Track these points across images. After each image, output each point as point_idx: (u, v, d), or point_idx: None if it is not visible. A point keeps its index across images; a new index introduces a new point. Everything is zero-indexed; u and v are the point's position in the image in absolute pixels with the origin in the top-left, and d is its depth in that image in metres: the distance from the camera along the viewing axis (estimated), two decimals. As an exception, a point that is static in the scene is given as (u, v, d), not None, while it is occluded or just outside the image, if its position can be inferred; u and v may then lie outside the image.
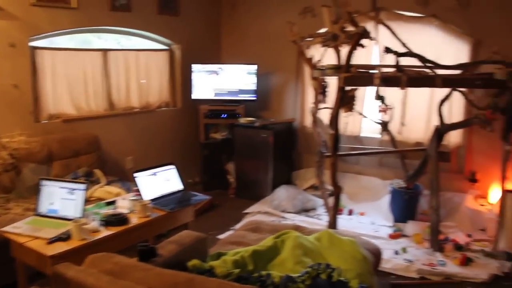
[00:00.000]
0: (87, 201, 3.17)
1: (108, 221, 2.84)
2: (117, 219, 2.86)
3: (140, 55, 5.29)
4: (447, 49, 4.60)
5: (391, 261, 3.69)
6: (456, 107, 4.60)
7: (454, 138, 4.71)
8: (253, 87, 5.58)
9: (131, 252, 2.24)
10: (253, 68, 5.54)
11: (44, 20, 4.26)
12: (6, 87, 4.06)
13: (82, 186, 2.90)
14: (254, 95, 5.61)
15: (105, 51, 4.93)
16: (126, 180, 4.34)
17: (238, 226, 4.29)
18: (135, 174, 3.24)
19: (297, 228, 3.01)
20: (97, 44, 5.10)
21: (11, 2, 4.00)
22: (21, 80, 4.17)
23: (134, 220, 2.95)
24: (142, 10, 5.11)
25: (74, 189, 2.91)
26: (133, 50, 5.24)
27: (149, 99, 5.43)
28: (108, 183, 4.02)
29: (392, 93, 4.33)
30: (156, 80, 5.51)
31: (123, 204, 3.16)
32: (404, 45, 3.75)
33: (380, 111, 4.27)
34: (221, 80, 5.62)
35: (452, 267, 3.60)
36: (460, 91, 3.97)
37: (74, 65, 4.64)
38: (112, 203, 3.24)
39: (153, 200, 3.19)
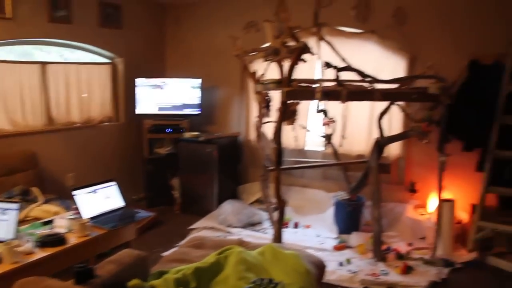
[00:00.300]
0: (22, 221, 3.03)
1: (44, 241, 2.72)
2: (54, 239, 2.74)
3: (82, 68, 5.14)
4: (385, 64, 4.79)
5: (335, 272, 3.74)
6: (395, 120, 4.77)
7: (394, 150, 4.88)
8: (198, 101, 5.57)
9: (69, 274, 2.14)
10: (197, 82, 5.53)
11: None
12: None
13: (15, 205, 2.76)
14: (199, 109, 5.59)
15: (44, 63, 4.74)
16: (66, 198, 4.16)
17: (182, 242, 4.22)
18: (74, 192, 3.12)
19: (241, 243, 3.00)
20: (38, 57, 4.92)
21: None
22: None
23: (72, 240, 2.83)
24: (83, 22, 4.97)
25: (6, 209, 2.76)
26: (73, 63, 5.08)
27: (91, 114, 5.27)
28: (46, 202, 3.85)
29: (334, 107, 4.43)
30: (98, 94, 5.36)
31: (61, 224, 3.03)
32: (344, 60, 3.86)
33: (323, 124, 4.36)
34: (165, 95, 5.56)
35: (394, 276, 3.69)
36: (398, 104, 4.13)
37: (9, 78, 4.43)
38: (49, 222, 3.10)
39: (92, 218, 3.08)
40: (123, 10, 5.46)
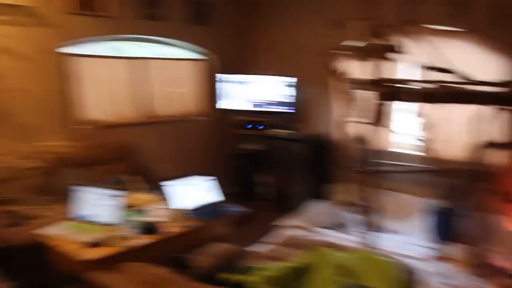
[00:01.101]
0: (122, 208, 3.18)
1: (143, 229, 2.85)
2: (152, 228, 2.86)
3: (174, 64, 5.38)
4: (484, 65, 4.44)
5: (430, 284, 3.55)
6: (500, 126, 4.41)
7: (497, 157, 4.52)
8: (290, 99, 5.55)
9: (164, 262, 2.22)
10: (290, 80, 5.51)
11: (80, 27, 4.38)
12: (44, 93, 4.18)
13: (119, 193, 2.93)
14: (291, 107, 5.57)
15: (141, 59, 5.01)
16: (159, 188, 4.36)
17: (270, 239, 4.23)
18: (171, 183, 3.24)
19: (332, 245, 2.95)
20: (130, 52, 5.19)
21: (49, 10, 4.13)
22: (58, 87, 4.30)
23: (169, 229, 2.94)
24: (175, 20, 5.19)
25: (110, 195, 2.94)
26: (167, 59, 5.32)
27: (183, 108, 5.48)
28: (142, 191, 4.04)
29: (432, 109, 4.20)
30: (189, 89, 5.56)
31: (158, 213, 3.17)
32: (442, 60, 3.64)
33: (421, 128, 4.14)
34: (255, 91, 5.62)
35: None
36: (508, 109, 3.81)
37: (109, 72, 4.77)
38: (147, 210, 3.24)
39: (189, 210, 3.18)
40: (213, 7, 5.59)
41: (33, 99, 4.12)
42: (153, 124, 5.13)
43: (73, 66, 4.44)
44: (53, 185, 3.87)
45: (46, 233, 2.85)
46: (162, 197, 3.86)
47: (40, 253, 2.87)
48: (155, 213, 3.17)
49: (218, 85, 5.66)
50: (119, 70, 4.84)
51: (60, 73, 4.31)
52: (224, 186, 5.78)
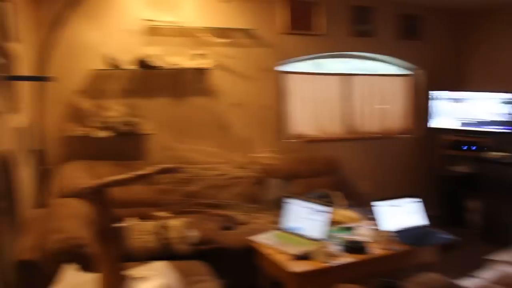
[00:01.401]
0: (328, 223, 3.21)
1: (349, 247, 2.81)
2: (358, 247, 2.81)
3: (380, 80, 5.27)
4: None
5: None
6: None
7: None
8: (507, 117, 4.92)
9: (370, 284, 2.14)
10: (508, 96, 4.89)
11: (293, 46, 4.64)
12: (260, 107, 4.53)
13: (327, 208, 2.95)
14: (508, 127, 4.94)
15: (346, 75, 5.05)
16: (362, 205, 4.30)
17: (482, 274, 3.79)
18: (375, 203, 3.14)
19: None
20: (331, 68, 5.24)
21: (267, 31, 4.50)
22: (272, 102, 4.61)
23: (374, 250, 2.85)
24: (383, 35, 5.10)
25: (318, 210, 2.98)
26: (373, 75, 5.24)
27: (387, 125, 5.32)
28: (346, 207, 4.02)
29: None
30: (396, 105, 5.37)
31: (363, 232, 3.10)
32: None
33: None
34: (467, 109, 5.13)
35: None
36: None
37: (317, 88, 4.90)
38: (351, 228, 3.21)
39: (394, 232, 3.04)
40: (422, 21, 5.33)
41: (250, 113, 4.50)
42: (356, 140, 5.10)
43: (286, 83, 4.71)
44: (261, 195, 4.12)
45: (256, 240, 3.03)
46: (366, 215, 3.80)
47: (250, 257, 3.06)
48: (360, 232, 3.11)
49: (427, 101, 5.35)
50: (325, 86, 4.95)
51: (275, 90, 4.63)
52: (427, 208, 5.45)
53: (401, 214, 3.23)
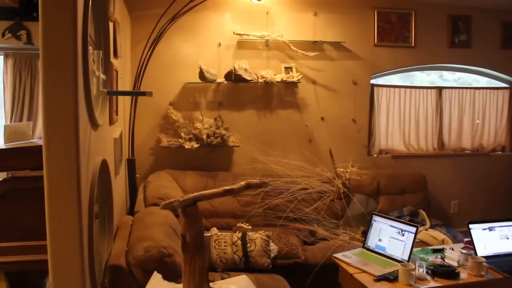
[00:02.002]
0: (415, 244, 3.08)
1: (436, 271, 2.68)
2: (446, 272, 2.66)
3: (476, 93, 4.96)
4: None
5: None
6: None
7: None
8: None
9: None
10: None
11: (384, 59, 4.54)
12: (346, 121, 4.49)
13: (413, 229, 2.84)
14: None
15: (439, 88, 4.83)
16: (450, 226, 4.09)
17: None
18: (471, 226, 2.97)
19: None
20: (423, 80, 5.07)
21: (356, 44, 4.44)
22: (359, 115, 4.52)
23: (464, 276, 2.69)
24: (483, 46, 4.82)
25: (404, 230, 2.88)
26: (466, 88, 4.96)
27: (482, 141, 5.00)
28: (432, 227, 3.85)
29: None
30: (492, 121, 5.03)
31: (452, 255, 2.94)
32: None
33: None
34: None
35: None
36: None
37: (407, 102, 4.73)
38: (438, 250, 3.05)
39: (487, 258, 2.85)
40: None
41: (336, 127, 4.48)
42: (446, 156, 4.86)
43: (375, 96, 4.64)
44: (345, 210, 4.06)
45: (338, 257, 2.98)
46: (454, 237, 3.61)
47: (331, 274, 3.02)
48: (448, 255, 2.95)
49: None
50: (415, 100, 4.77)
51: (364, 103, 4.56)
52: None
53: (496, 238, 3.02)
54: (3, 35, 3.78)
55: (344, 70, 4.44)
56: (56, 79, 1.46)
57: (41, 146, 1.49)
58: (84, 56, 1.56)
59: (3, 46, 3.87)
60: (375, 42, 4.48)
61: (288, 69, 4.26)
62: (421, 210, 4.09)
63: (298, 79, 4.21)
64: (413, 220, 3.89)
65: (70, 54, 1.46)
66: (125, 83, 3.56)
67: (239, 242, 3.13)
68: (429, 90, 4.81)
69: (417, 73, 5.03)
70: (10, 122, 3.89)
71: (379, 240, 3.00)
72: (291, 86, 4.32)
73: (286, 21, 4.28)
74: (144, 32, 3.87)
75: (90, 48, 1.66)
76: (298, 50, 4.18)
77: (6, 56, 3.88)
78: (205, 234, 3.14)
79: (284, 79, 4.18)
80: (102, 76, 1.98)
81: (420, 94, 4.77)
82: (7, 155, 2.39)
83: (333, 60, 4.41)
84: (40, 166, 1.49)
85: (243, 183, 1.80)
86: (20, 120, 3.89)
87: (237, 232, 3.35)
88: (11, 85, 3.88)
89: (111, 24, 2.54)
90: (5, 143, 2.69)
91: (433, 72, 5.10)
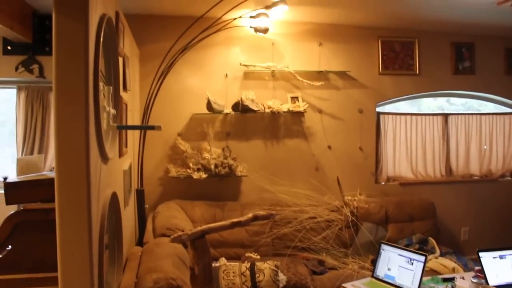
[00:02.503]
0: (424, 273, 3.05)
1: (447, 300, 2.65)
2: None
3: (482, 119, 4.98)
4: None
5: None
6: None
7: None
8: None
9: None
10: None
11: (389, 87, 4.60)
12: (353, 149, 4.52)
13: (422, 257, 2.82)
14: None
15: (445, 115, 4.86)
16: (460, 253, 4.04)
17: None
18: (481, 254, 2.94)
19: None
20: (429, 106, 5.10)
21: (361, 72, 4.51)
22: (366, 143, 4.55)
23: (475, 306, 2.65)
24: (487, 72, 4.88)
25: (412, 259, 2.86)
26: (473, 114, 4.98)
27: (490, 167, 4.99)
28: (442, 255, 3.81)
29: None
30: (500, 146, 5.03)
31: (462, 284, 2.90)
32: None
33: None
34: None
35: None
36: None
37: (413, 129, 4.76)
38: (449, 279, 3.02)
39: (498, 287, 2.82)
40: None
41: (343, 155, 4.50)
42: (454, 183, 4.84)
43: (381, 124, 4.67)
44: (353, 239, 4.03)
45: (347, 286, 2.95)
46: (465, 265, 3.57)
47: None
48: (459, 284, 2.92)
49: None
50: (422, 127, 4.79)
51: (370, 131, 4.59)
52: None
53: (507, 267, 2.98)
54: (17, 69, 3.90)
55: (349, 99, 4.49)
56: (68, 113, 1.50)
57: (52, 178, 1.52)
58: (95, 91, 1.61)
59: (16, 79, 3.98)
60: (380, 70, 4.55)
61: (294, 99, 4.32)
62: (430, 238, 4.06)
63: (304, 109, 4.26)
64: (422, 248, 3.87)
65: (82, 89, 1.52)
66: (134, 115, 3.63)
67: (248, 272, 3.12)
68: (435, 117, 4.83)
69: (424, 98, 5.06)
70: (22, 154, 3.96)
71: (388, 269, 2.98)
72: (297, 115, 4.37)
73: (292, 52, 4.36)
74: (153, 65, 3.96)
75: (100, 83, 1.72)
76: (304, 80, 4.25)
77: (19, 89, 3.99)
78: (213, 265, 3.15)
79: (290, 109, 4.23)
80: (112, 111, 2.04)
81: (426, 121, 4.80)
82: (19, 187, 2.43)
83: (338, 89, 4.47)
84: (52, 198, 1.53)
85: (250, 215, 1.82)
86: (32, 152, 3.96)
87: (246, 262, 3.34)
88: (23, 117, 3.97)
89: (120, 59, 2.61)
90: (17, 175, 2.74)
91: (442, 99, 5.14)
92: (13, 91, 4.01)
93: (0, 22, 3.11)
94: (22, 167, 2.76)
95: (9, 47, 3.90)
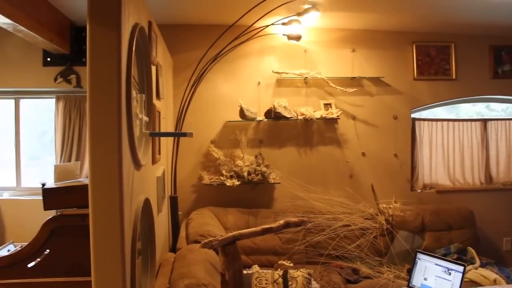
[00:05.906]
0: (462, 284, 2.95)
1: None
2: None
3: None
4: None
5: None
6: None
7: None
8: None
9: None
10: None
11: (424, 92, 4.50)
12: (388, 156, 4.43)
13: (460, 268, 2.72)
14: None
15: (484, 121, 4.71)
16: (503, 264, 3.89)
17: None
18: (522, 264, 2.83)
19: None
20: (467, 111, 4.96)
21: (395, 78, 4.43)
22: (401, 150, 4.45)
23: (518, 318, 2.55)
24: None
25: (450, 269, 2.77)
26: (508, 119, 4.80)
27: (533, 174, 4.80)
28: (483, 265, 3.68)
29: None
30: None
31: (504, 296, 2.80)
32: None
33: None
34: None
35: None
36: None
37: (450, 135, 4.63)
38: (490, 291, 2.92)
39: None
40: None
41: (378, 162, 4.43)
42: (493, 190, 4.66)
43: (417, 130, 4.57)
44: (388, 247, 3.95)
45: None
46: (507, 276, 3.44)
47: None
48: (501, 296, 2.82)
49: None
50: (459, 133, 4.65)
51: (406, 138, 4.50)
52: None
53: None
54: (55, 79, 4.03)
55: (384, 105, 4.42)
56: (101, 120, 1.54)
57: (87, 184, 1.56)
58: (128, 98, 1.65)
59: (55, 90, 4.12)
60: (415, 75, 4.46)
61: (327, 106, 4.29)
62: (469, 248, 3.92)
63: (338, 115, 4.22)
64: (461, 258, 3.75)
65: (115, 97, 1.55)
66: (167, 123, 3.68)
67: (280, 280, 3.09)
68: (473, 123, 4.69)
69: (462, 104, 4.93)
70: (60, 161, 4.08)
71: (425, 279, 2.90)
72: (330, 122, 4.33)
73: (324, 58, 4.34)
74: (186, 74, 4.01)
75: (133, 91, 1.75)
76: (337, 87, 4.22)
77: (57, 99, 4.12)
78: (246, 272, 3.14)
79: (323, 115, 4.20)
80: (145, 118, 2.07)
81: (464, 127, 4.66)
82: (57, 193, 2.50)
83: (372, 95, 4.41)
84: (87, 204, 1.56)
85: (282, 221, 1.81)
86: (69, 159, 4.07)
87: (278, 269, 3.32)
88: (61, 126, 4.10)
89: (153, 68, 2.65)
90: (55, 182, 2.82)
91: (481, 104, 4.99)
92: (52, 101, 4.15)
93: (41, 36, 3.23)
94: (59, 174, 2.84)
95: (48, 59, 4.05)
